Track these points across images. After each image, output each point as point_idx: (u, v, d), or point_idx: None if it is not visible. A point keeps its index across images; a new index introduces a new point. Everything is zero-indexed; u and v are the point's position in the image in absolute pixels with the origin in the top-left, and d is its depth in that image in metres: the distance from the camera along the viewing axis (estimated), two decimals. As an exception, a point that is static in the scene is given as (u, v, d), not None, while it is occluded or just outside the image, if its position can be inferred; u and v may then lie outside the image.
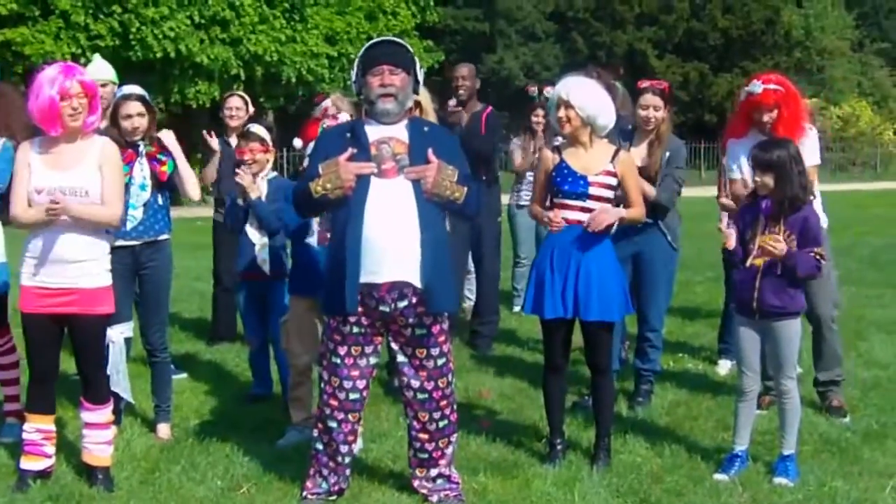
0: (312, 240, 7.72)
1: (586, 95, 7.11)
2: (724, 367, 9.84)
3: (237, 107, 11.18)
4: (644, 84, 8.54)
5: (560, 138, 9.39)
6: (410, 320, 6.32)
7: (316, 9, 34.03)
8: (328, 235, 6.80)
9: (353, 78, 6.49)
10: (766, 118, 7.87)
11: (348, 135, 6.40)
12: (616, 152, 7.24)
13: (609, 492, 6.75)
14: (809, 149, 7.77)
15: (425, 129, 6.51)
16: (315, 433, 6.60)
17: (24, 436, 6.93)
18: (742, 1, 48.69)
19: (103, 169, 6.74)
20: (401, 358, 6.46)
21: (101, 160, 6.74)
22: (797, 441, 7.10)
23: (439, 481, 6.62)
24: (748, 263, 6.88)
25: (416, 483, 6.67)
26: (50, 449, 6.96)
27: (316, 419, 6.65)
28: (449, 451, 6.64)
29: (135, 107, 7.83)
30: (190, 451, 7.56)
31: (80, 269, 6.69)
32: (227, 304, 11.06)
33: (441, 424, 6.55)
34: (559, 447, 7.36)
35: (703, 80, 48.83)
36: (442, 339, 6.44)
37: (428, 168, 6.20)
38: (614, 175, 7.14)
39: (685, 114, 48.82)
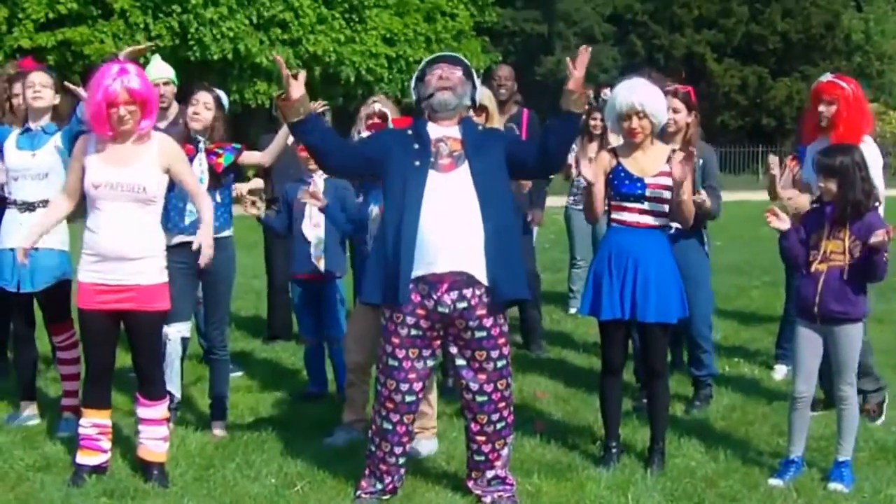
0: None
1: (657, 102, 7.11)
2: (781, 371, 9.76)
3: None
4: (668, 87, 8.44)
5: (614, 139, 9.35)
6: (470, 323, 6.29)
7: (375, 10, 34.08)
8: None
9: (413, 90, 6.60)
10: (822, 108, 7.94)
11: (410, 132, 6.48)
12: (672, 153, 7.20)
13: (663, 495, 6.74)
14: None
15: (479, 127, 6.67)
16: (370, 433, 6.61)
17: (80, 430, 6.99)
18: (802, 5, 48.30)
19: (174, 167, 6.86)
20: (460, 361, 6.44)
21: (165, 159, 6.82)
22: (853, 448, 7.05)
23: (494, 483, 6.62)
24: (812, 268, 6.83)
25: (470, 484, 6.68)
26: (106, 444, 7.01)
27: (371, 419, 6.65)
28: (505, 452, 6.63)
29: (204, 97, 8.02)
30: (244, 449, 7.61)
31: (136, 266, 6.73)
32: (282, 302, 11.12)
33: (499, 426, 6.53)
34: (614, 450, 7.34)
35: (761, 84, 48.48)
36: (502, 340, 6.41)
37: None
38: (671, 175, 7.08)
39: (743, 118, 48.56)
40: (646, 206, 7.07)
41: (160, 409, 7.02)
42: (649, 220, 7.11)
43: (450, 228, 6.18)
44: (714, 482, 6.96)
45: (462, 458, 6.88)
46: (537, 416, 8.50)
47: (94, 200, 6.74)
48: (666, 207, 7.15)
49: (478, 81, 6.65)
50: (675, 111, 8.27)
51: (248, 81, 31.33)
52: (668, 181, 7.08)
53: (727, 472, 7.15)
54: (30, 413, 8.24)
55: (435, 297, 6.23)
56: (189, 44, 28.96)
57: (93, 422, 6.95)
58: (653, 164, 7.13)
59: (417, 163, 6.28)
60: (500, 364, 6.43)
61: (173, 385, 7.88)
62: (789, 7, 48.21)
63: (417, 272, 6.22)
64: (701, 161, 8.38)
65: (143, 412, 6.99)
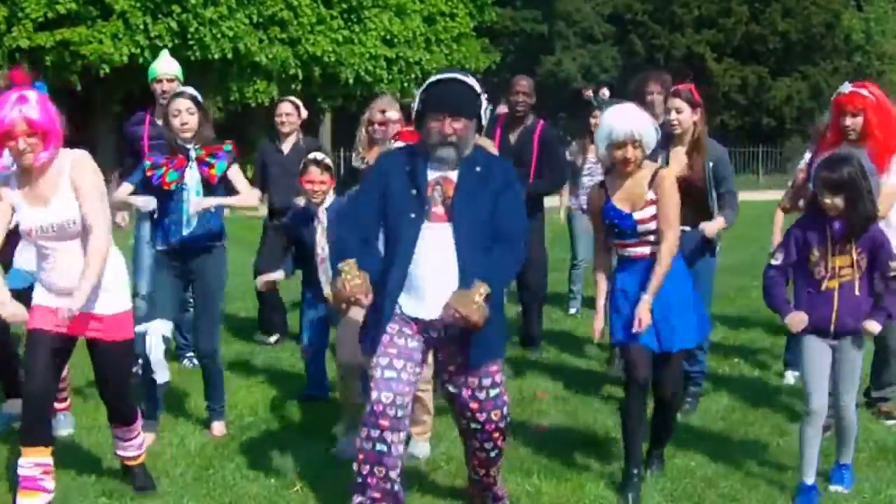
0: None
1: (650, 129, 6.75)
2: (790, 378, 9.58)
3: (287, 112, 11.14)
4: (673, 88, 8.39)
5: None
6: (460, 351, 6.05)
7: (374, 10, 34.11)
8: None
9: (414, 109, 6.19)
10: (848, 122, 7.62)
11: (408, 169, 6.09)
12: (654, 174, 6.81)
13: (663, 496, 6.74)
14: None
15: (478, 168, 6.09)
16: (356, 465, 6.02)
17: (21, 471, 6.36)
18: (802, 4, 48.35)
19: (77, 192, 6.26)
20: (452, 389, 6.16)
21: (73, 182, 6.26)
22: (854, 450, 7.03)
23: (488, 499, 6.58)
24: (824, 286, 6.52)
25: (469, 489, 6.66)
26: (49, 483, 6.43)
27: (359, 447, 6.02)
28: (497, 474, 6.48)
29: (184, 103, 7.77)
30: (244, 449, 7.61)
31: (95, 295, 6.33)
32: (273, 304, 11.28)
33: (492, 454, 6.29)
34: (636, 479, 6.83)
35: (761, 84, 48.54)
36: (494, 368, 6.11)
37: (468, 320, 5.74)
38: (655, 203, 6.76)
39: (743, 118, 48.65)
40: (636, 239, 6.81)
41: (134, 429, 6.84)
42: (649, 250, 6.81)
43: (434, 281, 5.92)
44: (714, 482, 6.96)
45: (461, 458, 6.85)
46: (537, 416, 8.50)
47: (35, 242, 6.39)
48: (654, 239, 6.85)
49: (485, 115, 6.17)
50: (678, 111, 8.12)
51: (247, 80, 31.39)
52: (654, 211, 6.76)
53: (727, 472, 7.15)
54: (14, 412, 7.95)
55: (425, 321, 6.01)
56: (189, 43, 29.00)
57: (34, 461, 6.35)
58: (638, 193, 6.77)
59: (413, 215, 5.99)
60: (493, 393, 6.10)
61: (161, 369, 7.73)
62: (789, 7, 48.30)
63: (407, 312, 6.02)
64: (711, 163, 8.19)
65: (116, 431, 6.83)
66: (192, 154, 7.75)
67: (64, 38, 28.05)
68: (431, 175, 6.08)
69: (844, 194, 6.35)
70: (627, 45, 50.41)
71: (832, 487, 6.81)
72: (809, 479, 6.70)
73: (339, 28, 33.07)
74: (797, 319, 6.54)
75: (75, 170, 6.29)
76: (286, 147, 11.09)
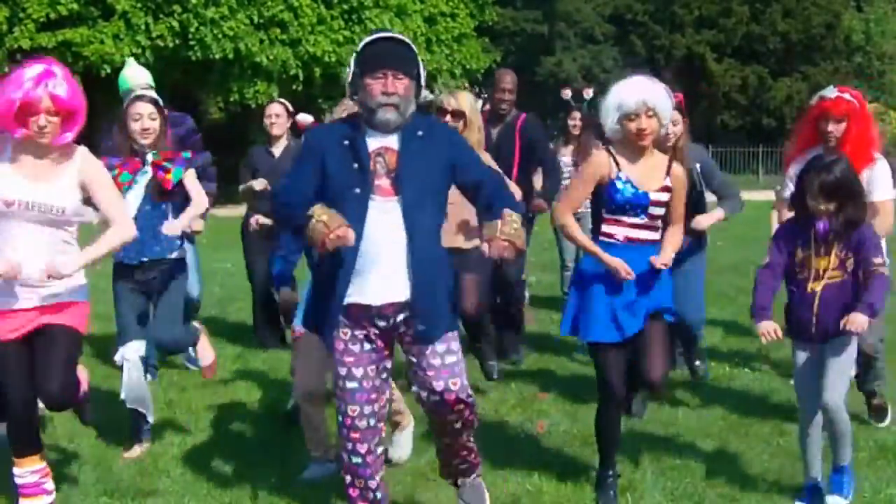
0: None
1: (665, 100, 6.41)
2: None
3: (277, 114, 10.89)
4: None
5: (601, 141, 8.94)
6: (413, 321, 5.68)
7: (375, 11, 34.10)
8: None
9: (349, 76, 5.75)
10: (831, 128, 7.40)
11: (346, 143, 5.68)
12: (670, 163, 6.61)
13: (663, 495, 6.75)
14: (880, 181, 7.48)
15: (419, 133, 5.73)
16: (342, 472, 6.02)
17: (18, 480, 6.18)
18: (802, 5, 48.37)
19: (92, 186, 6.12)
20: (411, 360, 5.79)
21: (84, 177, 6.10)
22: (852, 449, 6.87)
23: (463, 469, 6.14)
24: (807, 289, 6.31)
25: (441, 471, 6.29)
26: (49, 484, 6.29)
27: (339, 457, 6.09)
28: (469, 442, 5.99)
29: (146, 107, 7.48)
30: (244, 449, 7.66)
31: (50, 289, 6.03)
32: (267, 306, 11.07)
33: (457, 425, 5.80)
34: (610, 479, 6.74)
35: (761, 84, 48.56)
36: (449, 334, 5.72)
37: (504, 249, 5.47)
38: (669, 190, 6.52)
39: (743, 118, 48.66)
40: (642, 220, 6.47)
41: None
42: (647, 234, 6.52)
43: (382, 258, 5.58)
44: (714, 482, 6.96)
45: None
46: (537, 417, 8.50)
47: (2, 217, 5.96)
48: (660, 224, 6.60)
49: (423, 77, 5.79)
50: (674, 123, 7.87)
51: (248, 81, 31.38)
52: (666, 196, 6.50)
53: (727, 472, 7.15)
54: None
55: (374, 312, 5.67)
56: (190, 44, 29.01)
57: (30, 470, 6.17)
58: (653, 175, 6.50)
59: (358, 190, 5.59)
60: (448, 360, 5.67)
61: (146, 407, 7.54)
62: (790, 7, 48.32)
63: (352, 299, 5.66)
64: (698, 165, 8.18)
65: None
66: (150, 158, 7.44)
67: (66, 38, 28.07)
68: (372, 146, 5.67)
69: (839, 197, 6.14)
70: (628, 45, 50.41)
71: (829, 500, 6.58)
72: (812, 478, 6.64)
73: (340, 28, 33.05)
74: (764, 328, 6.28)
75: (87, 162, 6.11)
76: (277, 150, 10.87)
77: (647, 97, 6.30)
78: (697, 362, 9.01)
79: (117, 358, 7.40)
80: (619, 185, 6.41)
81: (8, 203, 5.87)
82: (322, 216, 5.37)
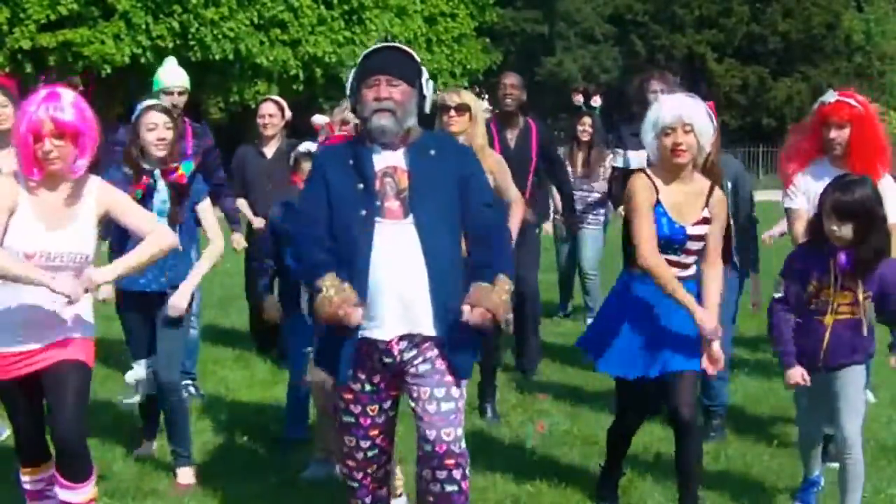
0: None
1: (705, 119, 6.04)
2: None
3: (271, 113, 10.36)
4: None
5: (633, 160, 8.46)
6: (415, 360, 5.32)
7: (375, 11, 34.08)
8: None
9: (348, 93, 5.55)
10: (833, 134, 6.73)
11: (351, 162, 5.35)
12: (711, 189, 6.16)
13: (665, 496, 6.74)
14: (888, 200, 6.24)
15: (431, 152, 5.38)
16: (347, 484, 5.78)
17: (26, 486, 6.01)
18: (802, 5, 48.38)
19: (115, 211, 5.73)
20: (411, 404, 5.42)
21: (104, 206, 5.70)
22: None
23: None
24: (817, 320, 5.95)
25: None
26: (54, 491, 5.94)
27: (340, 471, 5.94)
28: None
29: (160, 117, 7.07)
30: (244, 450, 7.69)
31: (62, 328, 5.61)
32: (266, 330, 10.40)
33: (447, 488, 5.33)
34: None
35: (762, 85, 48.57)
36: (449, 379, 5.32)
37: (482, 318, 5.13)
38: (708, 222, 6.10)
39: (743, 118, 48.65)
40: (677, 257, 6.08)
41: (85, 492, 5.80)
42: (679, 272, 6.09)
43: (398, 287, 5.20)
44: (714, 482, 6.95)
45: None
46: (537, 417, 8.50)
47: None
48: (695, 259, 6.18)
49: (427, 87, 5.47)
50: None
51: (248, 82, 31.37)
52: (705, 230, 6.08)
53: (727, 473, 7.15)
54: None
55: (381, 348, 5.29)
56: (190, 44, 29.00)
57: (36, 478, 5.99)
58: (692, 204, 6.09)
59: (364, 212, 5.23)
60: (444, 407, 5.28)
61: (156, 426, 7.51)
62: (790, 7, 48.33)
63: (364, 333, 5.26)
64: (730, 184, 7.53)
65: (63, 494, 5.77)
66: (157, 174, 7.08)
67: (66, 38, 28.03)
68: (378, 165, 5.33)
69: (854, 222, 5.73)
70: (628, 45, 50.40)
71: None
72: (812, 474, 6.56)
73: (340, 29, 33.02)
74: (792, 377, 6.00)
75: (102, 190, 5.73)
76: (269, 151, 10.35)
77: (685, 112, 5.95)
78: (716, 421, 8.17)
79: (129, 379, 7.22)
80: (659, 217, 6.03)
81: (28, 256, 5.46)
82: (330, 289, 5.08)
